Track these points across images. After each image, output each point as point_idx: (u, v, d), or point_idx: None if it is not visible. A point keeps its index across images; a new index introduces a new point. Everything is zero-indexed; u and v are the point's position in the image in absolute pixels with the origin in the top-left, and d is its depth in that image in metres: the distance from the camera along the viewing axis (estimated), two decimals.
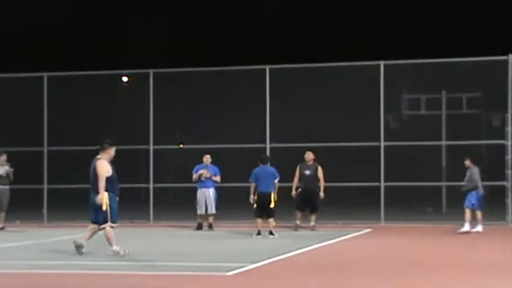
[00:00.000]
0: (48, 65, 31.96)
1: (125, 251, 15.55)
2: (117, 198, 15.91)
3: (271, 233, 20.03)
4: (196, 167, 23.00)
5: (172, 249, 17.74)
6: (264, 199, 20.13)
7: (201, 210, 22.79)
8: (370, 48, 40.54)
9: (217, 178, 22.91)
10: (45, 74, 27.24)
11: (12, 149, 26.97)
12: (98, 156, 15.97)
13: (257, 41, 48.08)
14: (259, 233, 20.09)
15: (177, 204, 24.54)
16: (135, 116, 27.97)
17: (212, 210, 22.82)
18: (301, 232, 21.72)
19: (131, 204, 28.26)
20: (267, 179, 20.22)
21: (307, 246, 17.63)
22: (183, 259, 15.49)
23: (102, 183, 15.59)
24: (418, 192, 28.96)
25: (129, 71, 28.80)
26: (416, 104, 32.71)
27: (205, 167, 22.82)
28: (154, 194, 26.63)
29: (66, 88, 27.21)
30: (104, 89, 28.07)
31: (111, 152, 15.94)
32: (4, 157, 23.71)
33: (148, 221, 26.37)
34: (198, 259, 15.34)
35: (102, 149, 15.95)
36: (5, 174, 23.53)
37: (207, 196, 22.72)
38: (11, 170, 23.49)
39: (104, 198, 15.53)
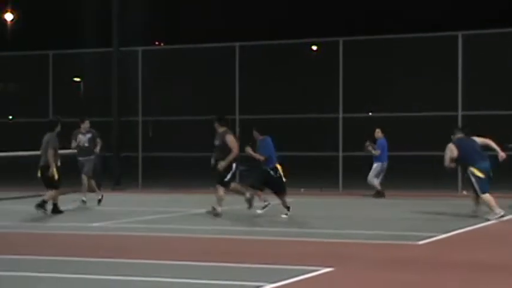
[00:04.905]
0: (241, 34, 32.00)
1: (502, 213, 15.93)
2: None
3: None
4: None
5: (353, 217, 17.35)
6: None
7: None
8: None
9: None
10: (237, 44, 27.08)
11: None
12: None
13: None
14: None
15: None
16: None
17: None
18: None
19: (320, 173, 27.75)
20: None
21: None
22: (365, 227, 15.02)
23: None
24: None
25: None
26: None
27: None
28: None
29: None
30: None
31: None
32: (87, 124, 19.76)
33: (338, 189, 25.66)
34: (382, 227, 14.93)
35: None
36: (87, 144, 19.66)
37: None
38: (98, 140, 19.82)
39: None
